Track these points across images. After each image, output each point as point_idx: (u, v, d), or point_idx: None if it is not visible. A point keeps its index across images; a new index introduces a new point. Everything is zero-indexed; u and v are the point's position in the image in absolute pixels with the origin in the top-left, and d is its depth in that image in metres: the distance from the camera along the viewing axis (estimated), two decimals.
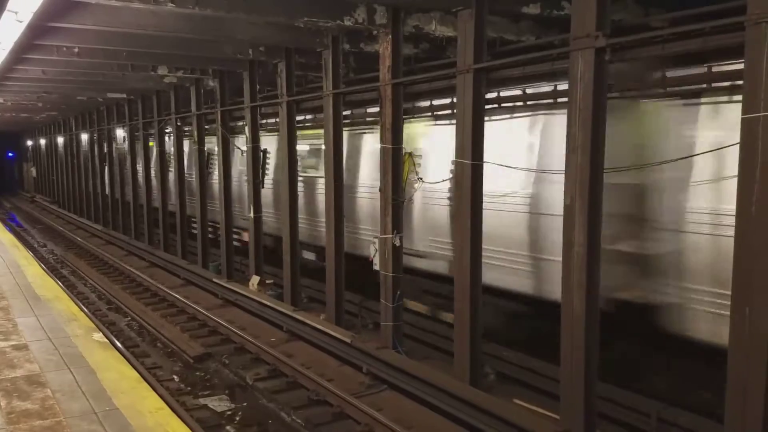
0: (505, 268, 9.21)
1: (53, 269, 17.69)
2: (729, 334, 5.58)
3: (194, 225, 17.61)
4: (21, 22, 8.07)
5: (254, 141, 14.00)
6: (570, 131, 6.80)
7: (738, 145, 5.42)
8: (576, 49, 6.61)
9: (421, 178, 10.61)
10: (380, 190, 9.85)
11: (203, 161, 17.03)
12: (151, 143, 20.98)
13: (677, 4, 7.54)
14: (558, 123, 7.88)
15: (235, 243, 15.79)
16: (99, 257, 19.88)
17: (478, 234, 8.44)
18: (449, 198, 10.08)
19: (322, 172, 12.13)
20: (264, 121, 15.35)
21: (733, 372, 5.54)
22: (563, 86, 7.88)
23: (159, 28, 9.67)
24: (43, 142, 39.99)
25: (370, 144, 12.14)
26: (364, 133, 12.58)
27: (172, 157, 19.39)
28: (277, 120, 13.51)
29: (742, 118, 5.35)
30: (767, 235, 5.22)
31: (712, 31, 6.26)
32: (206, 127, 16.92)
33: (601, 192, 6.75)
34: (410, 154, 10.64)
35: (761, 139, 5.20)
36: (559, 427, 7.00)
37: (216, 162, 16.44)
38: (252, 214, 14.08)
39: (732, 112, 6.34)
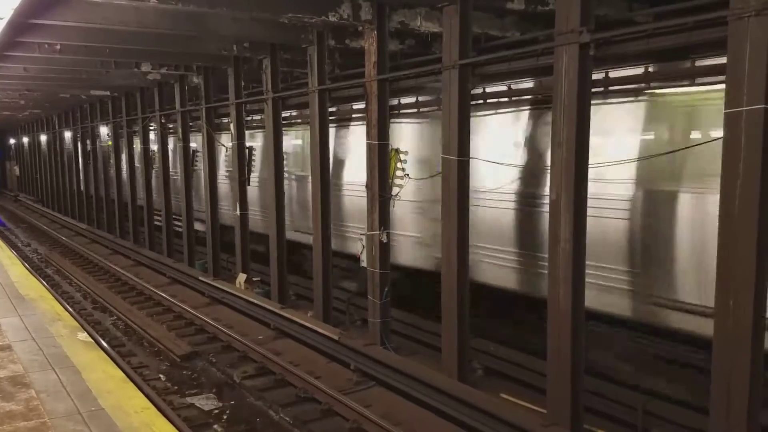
0: None
1: (37, 269, 17.47)
2: (713, 325, 5.64)
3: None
4: (1, 19, 7.98)
5: (240, 138, 13.92)
6: (555, 127, 6.81)
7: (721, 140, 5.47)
8: (560, 44, 6.62)
9: (408, 175, 10.60)
10: (366, 187, 9.83)
11: (188, 158, 16.92)
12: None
13: None
14: None
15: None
16: (84, 256, 19.67)
17: (465, 230, 8.44)
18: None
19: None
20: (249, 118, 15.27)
21: (717, 363, 5.60)
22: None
23: (142, 25, 9.58)
24: (26, 140, 39.57)
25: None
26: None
27: (156, 154, 19.25)
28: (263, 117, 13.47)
29: (725, 113, 5.38)
30: (750, 229, 5.27)
31: (695, 25, 6.30)
32: (190, 124, 16.82)
33: (587, 187, 6.78)
34: (397, 150, 10.62)
35: (744, 134, 5.23)
36: (546, 421, 7.03)
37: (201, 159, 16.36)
38: (238, 212, 14.01)
39: None
